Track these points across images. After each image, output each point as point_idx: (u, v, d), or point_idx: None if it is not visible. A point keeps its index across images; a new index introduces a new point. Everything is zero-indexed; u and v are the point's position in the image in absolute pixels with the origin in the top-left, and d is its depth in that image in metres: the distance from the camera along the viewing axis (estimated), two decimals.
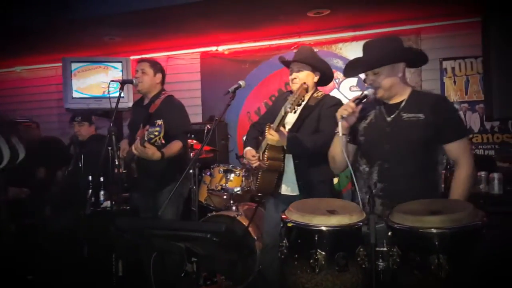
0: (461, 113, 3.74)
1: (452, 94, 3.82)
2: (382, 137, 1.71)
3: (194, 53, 4.68)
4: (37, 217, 3.33)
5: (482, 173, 2.83)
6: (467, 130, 1.79)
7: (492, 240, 1.37)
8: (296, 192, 2.18)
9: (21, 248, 2.98)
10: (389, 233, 1.41)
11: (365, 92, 1.70)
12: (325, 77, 2.30)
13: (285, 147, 2.05)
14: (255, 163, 2.16)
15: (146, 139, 2.17)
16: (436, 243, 1.30)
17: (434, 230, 1.31)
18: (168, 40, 4.39)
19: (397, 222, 1.40)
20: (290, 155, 2.15)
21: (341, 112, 1.66)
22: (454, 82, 3.80)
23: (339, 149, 1.74)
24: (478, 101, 3.69)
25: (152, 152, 2.32)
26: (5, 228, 2.75)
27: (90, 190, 2.82)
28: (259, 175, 2.16)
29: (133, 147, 2.33)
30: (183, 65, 4.73)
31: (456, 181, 1.67)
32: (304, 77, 2.18)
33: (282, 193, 2.22)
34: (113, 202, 2.35)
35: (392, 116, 1.72)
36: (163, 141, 2.18)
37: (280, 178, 2.17)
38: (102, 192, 2.87)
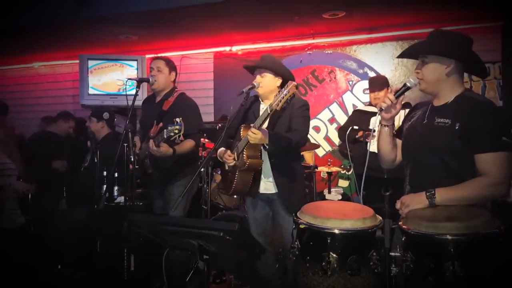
0: None
1: None
2: (415, 139, 1.67)
3: (208, 53, 4.71)
4: (52, 210, 3.39)
5: None
6: (508, 146, 1.47)
7: (508, 249, 1.34)
8: (273, 190, 2.25)
9: (34, 241, 3.04)
10: (403, 238, 1.40)
11: (407, 84, 1.64)
12: (286, 81, 2.37)
13: (265, 145, 2.10)
14: (231, 162, 2.23)
15: (165, 136, 2.22)
16: (451, 250, 1.28)
17: (449, 237, 1.29)
18: (182, 39, 4.43)
19: (412, 228, 1.39)
20: (265, 154, 2.22)
21: (380, 104, 1.65)
22: (471, 87, 3.73)
23: (381, 141, 1.74)
24: None
25: (166, 150, 2.41)
26: (9, 222, 2.81)
27: (105, 186, 2.86)
28: (236, 176, 2.21)
29: (149, 148, 2.40)
30: (197, 65, 4.77)
31: (471, 180, 1.48)
32: (267, 81, 2.27)
33: (261, 192, 2.27)
34: (127, 198, 2.38)
35: (428, 119, 1.63)
36: (182, 139, 2.22)
37: (256, 178, 2.23)
38: (116, 188, 2.91)
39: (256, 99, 2.40)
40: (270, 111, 1.99)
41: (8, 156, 2.99)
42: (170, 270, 2.13)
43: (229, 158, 2.25)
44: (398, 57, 1.80)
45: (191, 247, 1.55)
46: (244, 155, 2.13)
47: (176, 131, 2.18)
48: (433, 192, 1.50)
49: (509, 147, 1.46)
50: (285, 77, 2.31)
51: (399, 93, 1.64)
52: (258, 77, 2.28)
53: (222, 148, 2.32)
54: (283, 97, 1.91)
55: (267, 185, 2.27)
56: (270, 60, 2.34)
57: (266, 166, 2.24)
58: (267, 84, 2.26)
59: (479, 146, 1.49)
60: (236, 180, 2.20)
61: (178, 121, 2.18)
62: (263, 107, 2.32)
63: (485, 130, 1.48)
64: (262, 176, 2.26)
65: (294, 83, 1.94)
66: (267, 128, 2.17)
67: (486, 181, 1.47)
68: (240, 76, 4.52)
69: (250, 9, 3.46)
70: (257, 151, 2.18)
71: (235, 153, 2.23)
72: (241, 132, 2.22)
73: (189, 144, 2.56)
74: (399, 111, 1.67)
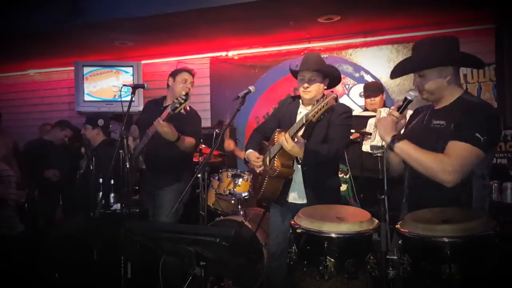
0: None
1: None
2: (413, 141, 1.64)
3: (204, 58, 4.72)
4: (48, 218, 3.36)
5: (495, 182, 2.79)
6: (479, 143, 1.45)
7: (505, 250, 1.34)
8: (303, 200, 2.14)
9: (31, 249, 3.01)
10: (400, 241, 1.40)
11: (407, 98, 1.64)
12: (333, 82, 2.26)
13: (299, 159, 2.00)
14: (260, 167, 2.13)
15: (170, 110, 2.20)
16: (448, 252, 1.29)
17: (446, 239, 1.30)
18: (178, 45, 4.43)
19: (408, 231, 1.39)
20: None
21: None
22: (466, 89, 3.76)
23: (391, 155, 1.70)
24: None
25: (172, 130, 2.36)
26: (9, 230, 2.80)
27: (101, 193, 2.84)
28: (265, 182, 2.11)
29: (155, 122, 2.36)
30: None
31: (436, 153, 1.49)
32: (317, 87, 2.14)
33: (289, 201, 2.18)
34: (123, 205, 2.37)
35: (426, 122, 1.65)
36: (187, 109, 2.17)
37: (286, 186, 2.14)
38: (112, 195, 2.89)
39: (293, 100, 2.27)
40: (305, 121, 1.87)
41: (6, 164, 2.98)
42: (167, 277, 2.11)
43: (257, 160, 2.12)
44: (392, 78, 1.76)
45: (188, 254, 1.54)
46: (276, 162, 2.02)
47: (182, 101, 2.12)
48: (398, 138, 1.53)
49: (478, 143, 1.44)
50: (333, 77, 2.19)
51: (402, 108, 1.64)
52: (306, 83, 2.11)
53: (250, 150, 2.22)
54: (320, 109, 1.78)
55: (297, 195, 2.16)
56: (318, 60, 2.15)
57: (298, 175, 2.12)
58: (315, 90, 2.11)
59: (453, 133, 1.49)
60: (265, 186, 2.10)
61: (184, 93, 2.14)
62: (301, 110, 2.20)
63: (464, 125, 1.48)
64: (292, 184, 2.14)
65: (334, 95, 1.81)
66: (303, 134, 2.04)
67: (443, 158, 1.46)
68: (236, 80, 4.55)
69: (246, 14, 3.47)
70: (289, 160, 2.06)
71: (268, 157, 2.14)
72: (276, 137, 2.10)
73: (191, 140, 2.56)
74: (404, 125, 1.68)
